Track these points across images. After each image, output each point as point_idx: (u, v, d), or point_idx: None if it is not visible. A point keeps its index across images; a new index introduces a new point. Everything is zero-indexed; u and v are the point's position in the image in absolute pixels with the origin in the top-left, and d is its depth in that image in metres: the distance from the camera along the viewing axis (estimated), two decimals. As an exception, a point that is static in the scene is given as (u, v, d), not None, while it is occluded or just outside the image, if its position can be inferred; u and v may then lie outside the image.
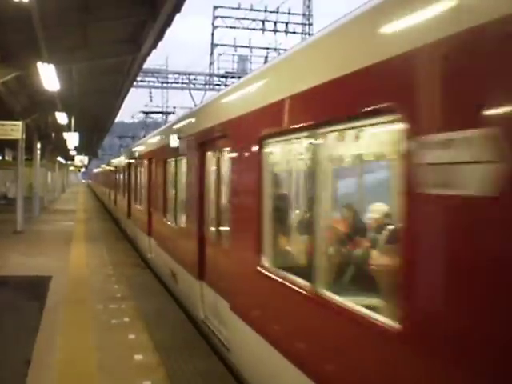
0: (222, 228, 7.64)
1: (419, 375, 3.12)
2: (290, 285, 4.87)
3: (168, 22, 13.46)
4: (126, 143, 50.21)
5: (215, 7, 48.19)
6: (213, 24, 48.49)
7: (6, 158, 44.46)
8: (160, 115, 54.25)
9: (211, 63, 47.57)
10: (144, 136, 24.18)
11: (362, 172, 7.79)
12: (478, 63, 2.72)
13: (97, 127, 40.23)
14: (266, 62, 40.85)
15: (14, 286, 11.87)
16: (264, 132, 5.54)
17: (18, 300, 10.63)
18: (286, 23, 45.96)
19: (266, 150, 5.56)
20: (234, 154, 6.56)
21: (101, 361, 7.19)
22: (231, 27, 46.30)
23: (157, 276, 12.88)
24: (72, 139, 31.90)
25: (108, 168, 37.40)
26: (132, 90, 27.10)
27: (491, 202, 2.58)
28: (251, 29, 45.40)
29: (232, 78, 39.69)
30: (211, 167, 8.19)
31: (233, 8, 47.08)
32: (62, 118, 23.33)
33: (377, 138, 5.11)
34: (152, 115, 67.88)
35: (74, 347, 7.76)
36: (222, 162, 7.55)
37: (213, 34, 48.73)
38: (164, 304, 10.51)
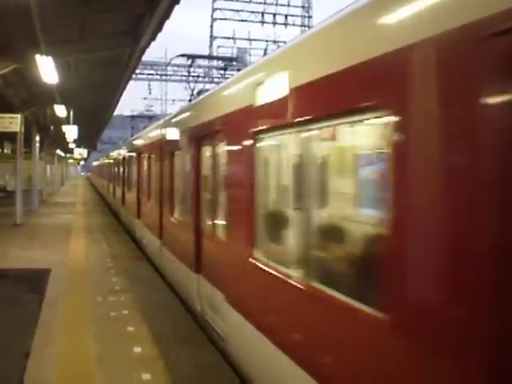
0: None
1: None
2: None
3: (167, 14, 13.39)
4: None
5: (214, -1, 48.04)
6: (212, 16, 48.37)
7: (5, 150, 44.48)
8: (159, 109, 54.18)
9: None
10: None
11: None
12: None
13: (96, 120, 40.18)
14: (265, 54, 40.76)
15: (14, 279, 11.88)
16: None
17: (18, 293, 10.64)
18: (286, 15, 45.85)
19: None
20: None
21: (100, 353, 7.21)
22: (230, 19, 46.18)
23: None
24: (71, 132, 31.89)
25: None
26: (131, 82, 27.10)
27: None
28: (250, 21, 45.29)
29: (231, 70, 39.61)
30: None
31: (232, 0, 46.94)
32: (60, 110, 23.31)
33: None
34: (151, 108, 67.70)
35: (73, 340, 7.78)
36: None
37: (212, 26, 48.62)
38: (163, 296, 10.53)
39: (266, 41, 45.48)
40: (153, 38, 15.38)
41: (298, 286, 4.48)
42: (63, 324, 8.52)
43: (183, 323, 8.74)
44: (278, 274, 4.95)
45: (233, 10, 46.19)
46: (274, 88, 4.97)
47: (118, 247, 16.61)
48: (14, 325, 8.47)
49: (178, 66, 41.05)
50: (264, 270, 5.22)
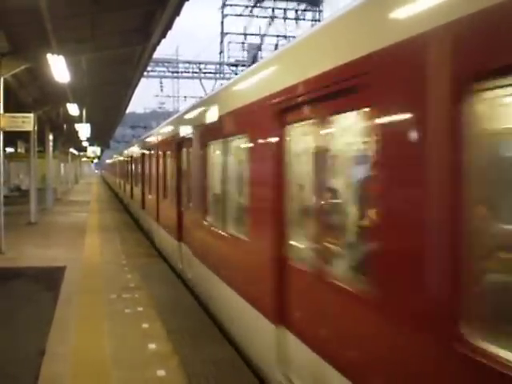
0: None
1: None
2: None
3: (177, 11, 13.39)
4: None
5: (224, -5, 47.91)
6: (222, 12, 48.29)
7: (19, 150, 44.68)
8: (171, 106, 54.37)
9: (221, 52, 47.45)
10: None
11: None
12: None
13: (108, 118, 40.31)
14: (276, 49, 40.63)
15: (29, 277, 11.96)
16: None
17: (33, 291, 10.73)
18: (296, 10, 45.64)
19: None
20: None
21: (114, 350, 7.24)
22: (240, 15, 46.05)
23: None
24: (84, 130, 32.01)
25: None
26: (143, 80, 27.14)
27: None
28: (261, 17, 45.13)
29: (242, 66, 39.59)
30: None
31: (242, -5, 46.78)
32: (73, 109, 23.39)
33: None
34: (164, 106, 67.89)
35: (88, 337, 7.81)
36: None
37: (222, 23, 48.53)
38: (177, 293, 10.54)
39: (277, 36, 45.31)
40: (163, 35, 15.39)
41: (216, 230, 7.99)
42: (78, 321, 8.56)
43: (197, 319, 8.75)
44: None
45: (243, 6, 46.05)
46: None
47: (132, 245, 16.67)
48: (29, 322, 8.53)
49: (189, 62, 41.06)
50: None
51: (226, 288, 7.48)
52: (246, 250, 6.63)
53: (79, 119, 28.95)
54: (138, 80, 24.49)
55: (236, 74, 37.67)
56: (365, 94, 3.80)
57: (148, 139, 19.04)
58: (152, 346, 7.42)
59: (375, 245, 3.75)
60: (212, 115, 8.51)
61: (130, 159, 26.91)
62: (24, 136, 27.82)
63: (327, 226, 4.69)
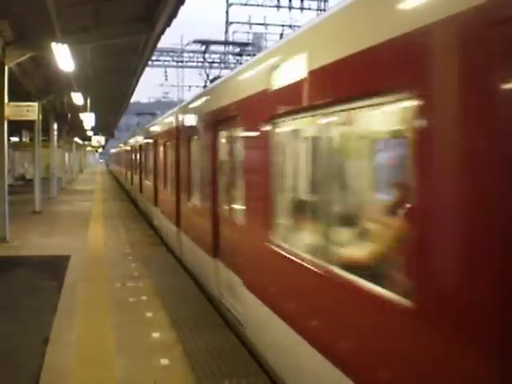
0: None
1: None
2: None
3: (181, 0, 13.35)
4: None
5: (229, -16, 47.65)
6: (227, 1, 48.07)
7: (24, 139, 44.76)
8: (176, 95, 54.25)
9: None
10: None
11: None
12: None
13: (113, 107, 40.27)
14: (281, 38, 40.46)
15: (33, 266, 11.99)
16: None
17: (37, 279, 10.75)
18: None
19: None
20: None
21: (118, 339, 7.26)
22: (245, 4, 45.83)
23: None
24: (88, 120, 31.99)
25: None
26: (147, 69, 27.02)
27: None
28: (266, 6, 44.91)
29: (247, 55, 39.45)
30: None
31: (247, -16, 46.52)
32: (77, 98, 23.37)
33: None
34: (168, 95, 67.69)
35: (92, 325, 7.84)
36: None
37: (227, 12, 48.33)
38: (181, 282, 10.56)
39: (282, 25, 45.11)
40: (168, 24, 15.32)
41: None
42: (82, 310, 8.59)
43: (201, 308, 8.77)
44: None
45: (248, -5, 45.80)
46: None
47: (136, 234, 16.69)
48: (33, 311, 8.56)
49: (193, 52, 40.94)
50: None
51: None
52: None
53: (84, 108, 28.93)
54: (143, 69, 24.43)
55: (241, 63, 37.56)
56: None
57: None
58: (156, 334, 7.44)
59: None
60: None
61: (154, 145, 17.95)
62: (28, 125, 27.86)
63: None
